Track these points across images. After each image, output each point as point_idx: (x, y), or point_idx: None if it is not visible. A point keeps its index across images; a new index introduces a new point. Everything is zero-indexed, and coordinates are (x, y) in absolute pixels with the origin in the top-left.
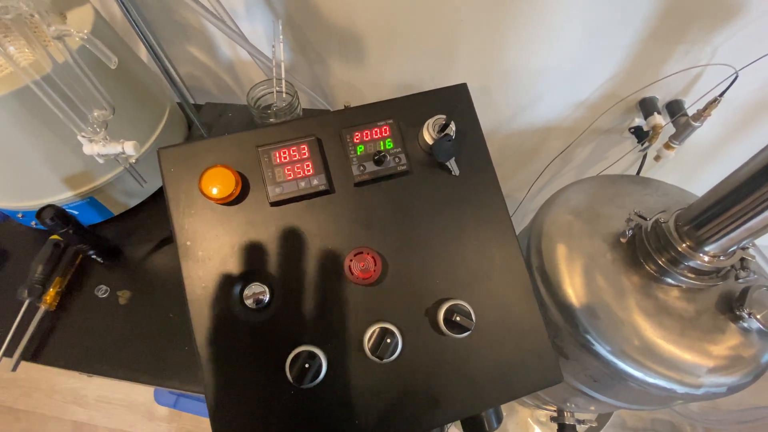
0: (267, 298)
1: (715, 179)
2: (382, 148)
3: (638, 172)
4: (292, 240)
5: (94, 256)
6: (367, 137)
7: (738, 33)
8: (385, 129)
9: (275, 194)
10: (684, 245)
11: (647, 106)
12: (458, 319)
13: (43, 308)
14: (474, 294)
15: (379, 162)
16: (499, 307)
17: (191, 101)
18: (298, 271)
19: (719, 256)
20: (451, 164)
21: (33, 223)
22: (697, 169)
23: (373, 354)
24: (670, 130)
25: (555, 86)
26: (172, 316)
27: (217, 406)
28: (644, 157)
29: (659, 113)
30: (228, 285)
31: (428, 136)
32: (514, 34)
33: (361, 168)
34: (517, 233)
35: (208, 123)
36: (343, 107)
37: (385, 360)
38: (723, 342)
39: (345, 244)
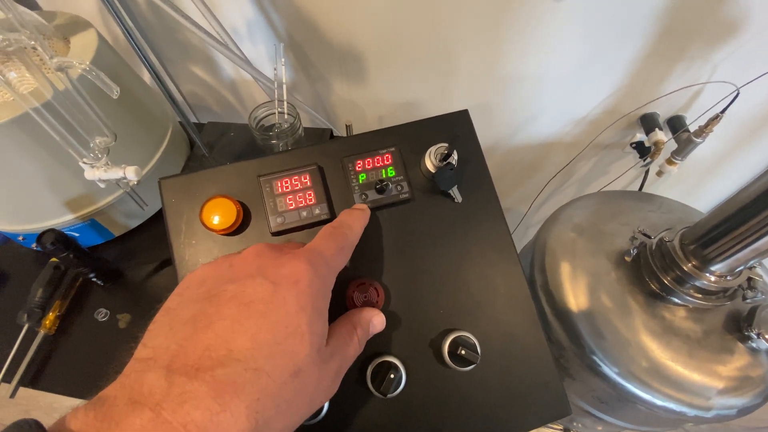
0: None
1: (718, 194)
2: (384, 176)
3: (641, 188)
4: None
5: (94, 279)
6: (369, 165)
7: (738, 50)
8: (387, 157)
9: (277, 224)
10: (690, 264)
11: (648, 122)
12: (463, 352)
13: (42, 333)
14: (479, 324)
15: (381, 190)
16: (505, 337)
17: (193, 121)
18: None
19: (726, 276)
20: (454, 192)
21: (34, 245)
22: (700, 184)
23: (377, 390)
24: (672, 145)
25: (555, 102)
26: None
27: None
28: (646, 172)
29: (660, 129)
30: None
31: (430, 164)
32: (514, 51)
33: (363, 196)
34: (521, 248)
35: (210, 143)
36: (345, 126)
37: (388, 395)
38: (731, 363)
39: (346, 275)
